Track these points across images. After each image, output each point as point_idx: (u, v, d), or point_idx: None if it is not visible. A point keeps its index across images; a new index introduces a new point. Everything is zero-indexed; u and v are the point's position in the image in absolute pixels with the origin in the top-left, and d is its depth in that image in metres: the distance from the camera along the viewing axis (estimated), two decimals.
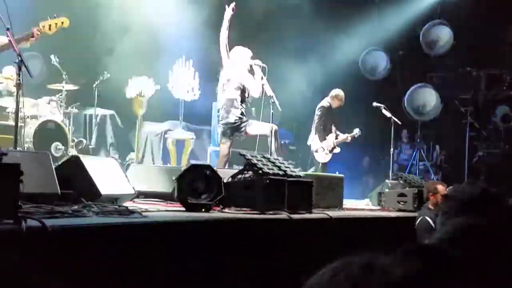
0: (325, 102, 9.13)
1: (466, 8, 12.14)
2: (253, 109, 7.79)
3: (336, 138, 9.15)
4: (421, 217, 5.84)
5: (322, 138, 9.08)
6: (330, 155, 9.12)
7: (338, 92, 9.14)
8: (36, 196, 3.52)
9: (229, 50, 6.90)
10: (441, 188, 5.92)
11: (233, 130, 6.84)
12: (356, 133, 9.18)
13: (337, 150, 9.20)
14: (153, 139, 11.41)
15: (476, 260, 1.14)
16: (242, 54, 6.90)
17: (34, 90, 8.75)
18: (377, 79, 13.07)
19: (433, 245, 1.26)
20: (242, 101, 6.91)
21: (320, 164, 9.13)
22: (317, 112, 9.08)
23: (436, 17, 12.63)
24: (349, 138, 9.20)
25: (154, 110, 10.05)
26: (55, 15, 5.03)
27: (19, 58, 4.72)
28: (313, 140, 9.19)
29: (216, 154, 8.41)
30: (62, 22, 5.06)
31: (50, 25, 5.00)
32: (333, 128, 9.22)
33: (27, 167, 3.06)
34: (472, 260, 1.14)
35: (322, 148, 9.05)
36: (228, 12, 6.73)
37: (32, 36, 4.93)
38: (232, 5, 6.75)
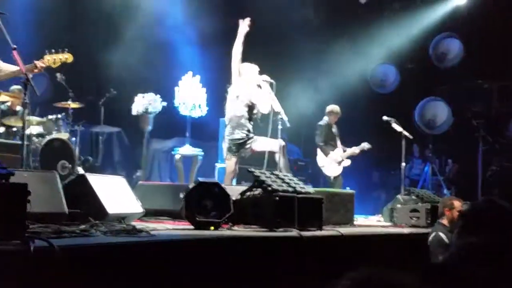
0: (322, 120, 9.51)
1: (475, 20, 12.09)
2: (261, 125, 7.73)
3: (344, 151, 9.27)
4: (435, 233, 5.72)
5: (327, 153, 9.30)
6: (340, 168, 9.30)
7: (332, 107, 9.52)
8: (43, 216, 3.49)
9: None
10: (457, 203, 5.81)
11: (239, 146, 6.78)
12: (365, 146, 9.28)
13: (347, 163, 9.34)
14: (160, 156, 11.38)
15: (488, 279, 1.09)
16: (250, 70, 6.85)
17: (40, 108, 8.75)
18: (386, 93, 13.00)
19: (446, 262, 1.21)
20: (250, 118, 6.85)
21: (332, 178, 9.26)
22: (316, 132, 9.46)
23: (445, 30, 12.59)
24: (357, 151, 9.33)
25: (161, 127, 10.03)
26: (60, 50, 5.06)
27: (25, 77, 4.70)
28: (318, 156, 9.45)
29: (224, 170, 8.34)
30: (66, 58, 5.11)
31: (54, 59, 5.05)
32: (338, 143, 9.34)
33: (34, 186, 3.03)
34: (485, 279, 1.08)
35: (328, 162, 9.18)
36: (244, 27, 6.63)
37: (36, 68, 4.95)
38: (247, 20, 6.65)
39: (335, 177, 9.33)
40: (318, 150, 9.43)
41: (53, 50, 5.01)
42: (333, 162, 9.29)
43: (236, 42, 6.66)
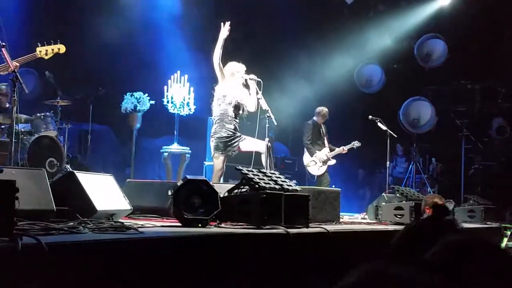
0: (310, 120, 9.72)
1: (460, 21, 12.22)
2: (248, 123, 7.79)
3: (331, 151, 9.37)
4: None
5: (312, 153, 9.44)
6: (324, 167, 9.39)
7: (320, 109, 9.75)
8: (31, 213, 3.49)
9: (223, 67, 6.89)
10: (437, 202, 5.92)
11: (226, 144, 6.83)
12: (355, 145, 9.39)
13: (332, 162, 9.46)
14: (149, 154, 11.38)
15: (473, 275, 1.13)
16: (236, 69, 6.90)
17: (29, 106, 8.73)
18: (372, 93, 13.10)
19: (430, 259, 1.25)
20: (236, 116, 6.90)
21: (315, 177, 9.36)
22: (303, 130, 9.67)
23: (430, 31, 12.71)
24: (345, 150, 9.43)
25: (149, 125, 10.05)
26: (52, 41, 5.05)
27: (14, 75, 4.72)
28: (304, 156, 9.61)
29: (211, 168, 8.39)
30: (59, 49, 5.10)
31: (47, 51, 5.03)
32: (326, 142, 9.43)
33: (22, 183, 3.03)
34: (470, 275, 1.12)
35: (313, 161, 9.35)
36: (224, 32, 6.69)
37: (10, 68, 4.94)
38: (227, 25, 6.70)
39: (318, 176, 9.43)
40: (305, 149, 9.52)
41: (45, 42, 5.00)
42: (318, 161, 9.38)
43: (216, 46, 6.70)
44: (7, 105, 8.37)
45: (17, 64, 4.91)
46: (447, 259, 1.13)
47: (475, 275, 1.04)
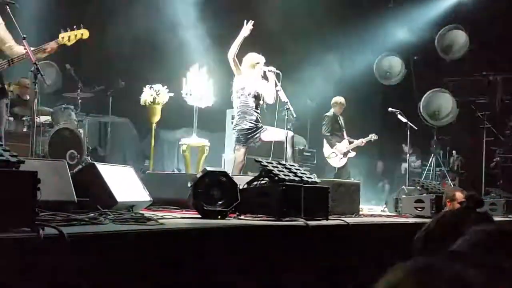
0: (328, 112, 9.64)
1: (481, 12, 12.05)
2: (268, 115, 7.79)
3: (350, 143, 9.31)
4: None
5: (332, 144, 9.36)
6: (344, 159, 9.37)
7: (337, 99, 9.66)
8: (53, 204, 3.52)
9: (242, 58, 6.86)
10: (458, 195, 5.88)
11: (248, 136, 6.82)
12: (372, 137, 9.32)
13: (352, 154, 9.41)
14: (168, 146, 11.43)
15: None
16: (256, 60, 6.87)
17: (50, 99, 8.81)
18: (392, 85, 13.00)
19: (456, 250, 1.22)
20: (257, 107, 6.89)
21: (336, 169, 9.32)
22: (322, 123, 9.59)
23: (451, 22, 12.55)
24: (363, 142, 9.39)
25: (168, 118, 10.06)
26: (75, 26, 5.03)
27: (35, 67, 4.75)
28: (324, 147, 9.53)
29: (230, 160, 8.40)
30: (82, 34, 5.04)
31: (69, 37, 4.99)
32: (344, 134, 9.37)
33: (44, 175, 3.05)
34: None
35: (334, 153, 9.28)
36: (246, 30, 6.64)
37: (51, 48, 4.91)
38: (251, 24, 6.65)
39: (339, 168, 9.39)
40: (324, 141, 9.48)
41: (68, 28, 4.97)
42: (338, 153, 9.34)
43: (234, 43, 6.66)
44: (28, 97, 8.46)
45: (44, 53, 4.89)
46: (486, 249, 1.10)
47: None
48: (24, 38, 4.71)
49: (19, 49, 4.80)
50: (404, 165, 12.12)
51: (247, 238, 3.99)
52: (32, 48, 4.79)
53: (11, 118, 8.15)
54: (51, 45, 4.89)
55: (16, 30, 4.72)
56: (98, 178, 4.22)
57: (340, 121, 9.57)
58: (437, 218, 1.72)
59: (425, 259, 0.88)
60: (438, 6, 12.51)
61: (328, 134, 9.44)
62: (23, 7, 4.84)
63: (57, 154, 7.66)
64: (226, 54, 6.70)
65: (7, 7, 4.75)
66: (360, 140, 9.45)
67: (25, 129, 7.99)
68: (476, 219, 1.59)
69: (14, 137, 7.11)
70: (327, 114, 9.58)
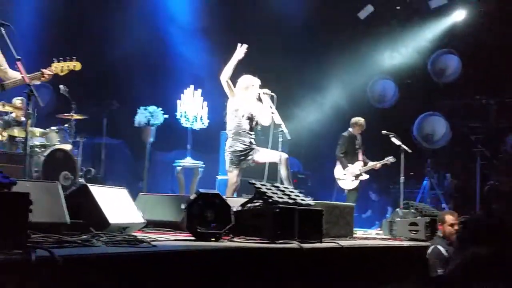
0: (345, 131, 9.45)
1: (474, 36, 12.16)
2: (262, 137, 7.79)
3: (365, 164, 9.19)
4: (433, 246, 5.78)
5: (345, 166, 9.23)
6: (356, 182, 9.21)
7: (356, 119, 9.48)
8: (45, 226, 3.50)
9: (237, 80, 6.88)
10: (448, 218, 5.90)
11: (241, 157, 6.81)
12: (389, 160, 9.19)
13: (364, 177, 9.27)
14: (162, 167, 11.41)
15: None
16: (251, 83, 6.89)
17: (44, 120, 8.80)
18: (385, 108, 13.06)
19: (450, 274, 1.22)
20: (251, 129, 6.89)
21: (346, 191, 9.20)
22: (338, 142, 9.37)
23: (443, 46, 12.67)
24: (378, 165, 9.29)
25: (162, 139, 10.08)
26: (67, 58, 5.08)
27: (29, 89, 4.75)
28: (335, 168, 9.36)
29: (224, 182, 8.38)
30: (74, 66, 5.11)
31: (62, 67, 5.05)
32: (360, 155, 9.27)
33: (36, 196, 3.04)
34: None
35: (345, 175, 9.13)
36: (240, 53, 6.66)
37: (43, 77, 4.94)
38: (245, 47, 6.68)
39: (349, 190, 9.26)
40: (337, 162, 9.35)
41: (60, 58, 5.02)
42: (349, 175, 9.21)
43: (227, 65, 6.66)
44: (23, 119, 8.45)
45: (38, 80, 4.91)
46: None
47: None
48: (18, 60, 4.71)
49: (13, 73, 4.81)
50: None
51: (240, 260, 3.97)
52: (28, 75, 4.80)
53: (6, 139, 8.13)
54: (47, 74, 4.90)
55: (10, 51, 4.73)
56: (91, 199, 4.21)
57: (357, 142, 9.43)
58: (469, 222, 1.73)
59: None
60: (431, 31, 12.63)
61: (342, 155, 9.26)
62: (17, 29, 4.84)
63: (51, 176, 7.62)
64: (219, 76, 6.72)
65: (2, 29, 4.77)
66: (374, 163, 9.27)
67: (19, 150, 7.96)
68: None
69: (7, 158, 7.08)
70: (344, 134, 9.40)
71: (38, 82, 4.92)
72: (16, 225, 2.75)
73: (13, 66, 4.96)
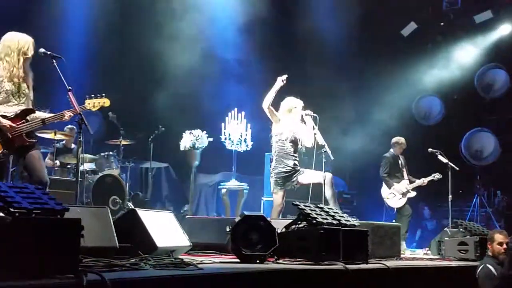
0: (388, 152, 9.48)
1: None
2: (305, 158, 7.81)
3: (410, 182, 9.14)
4: (483, 266, 5.66)
5: (390, 185, 9.24)
6: (404, 200, 9.18)
7: (397, 139, 9.48)
8: (95, 250, 3.61)
9: (280, 102, 6.96)
10: (497, 236, 5.78)
11: (286, 179, 6.86)
12: (435, 177, 9.10)
13: (412, 194, 9.20)
14: (207, 190, 11.54)
15: None
16: (294, 105, 6.96)
17: (93, 146, 9.08)
18: (431, 125, 12.89)
19: None
20: (295, 151, 6.95)
21: (395, 210, 9.15)
22: (381, 163, 9.42)
23: (490, 61, 12.45)
24: (425, 182, 9.18)
25: (207, 162, 10.20)
26: (99, 94, 5.30)
27: (80, 117, 4.94)
28: (382, 188, 9.40)
29: (269, 204, 8.42)
30: (104, 102, 5.35)
31: (94, 104, 5.29)
32: (405, 174, 9.27)
33: (87, 221, 3.14)
34: None
35: (392, 194, 9.11)
36: (278, 83, 6.79)
37: (64, 117, 5.14)
38: (284, 77, 6.79)
39: (398, 209, 9.21)
40: (383, 182, 9.37)
41: (92, 95, 5.27)
42: (396, 193, 9.17)
43: (268, 95, 6.77)
44: (73, 146, 8.75)
45: (60, 119, 5.10)
46: None
47: None
48: (70, 90, 4.92)
49: (39, 114, 5.01)
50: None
51: (286, 282, 3.98)
52: (49, 115, 4.98)
53: (57, 166, 8.43)
54: (67, 115, 5.07)
55: (61, 82, 4.93)
56: (139, 224, 4.31)
57: (400, 161, 9.40)
58: None
59: None
60: (477, 46, 12.44)
61: (386, 175, 9.26)
62: (67, 59, 5.07)
63: (100, 200, 7.85)
64: (263, 98, 6.81)
65: (54, 61, 4.99)
66: (421, 180, 9.20)
67: (70, 177, 8.23)
68: None
69: (59, 184, 7.33)
70: (386, 155, 9.43)
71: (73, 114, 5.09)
72: (69, 250, 2.83)
73: (63, 97, 5.16)
